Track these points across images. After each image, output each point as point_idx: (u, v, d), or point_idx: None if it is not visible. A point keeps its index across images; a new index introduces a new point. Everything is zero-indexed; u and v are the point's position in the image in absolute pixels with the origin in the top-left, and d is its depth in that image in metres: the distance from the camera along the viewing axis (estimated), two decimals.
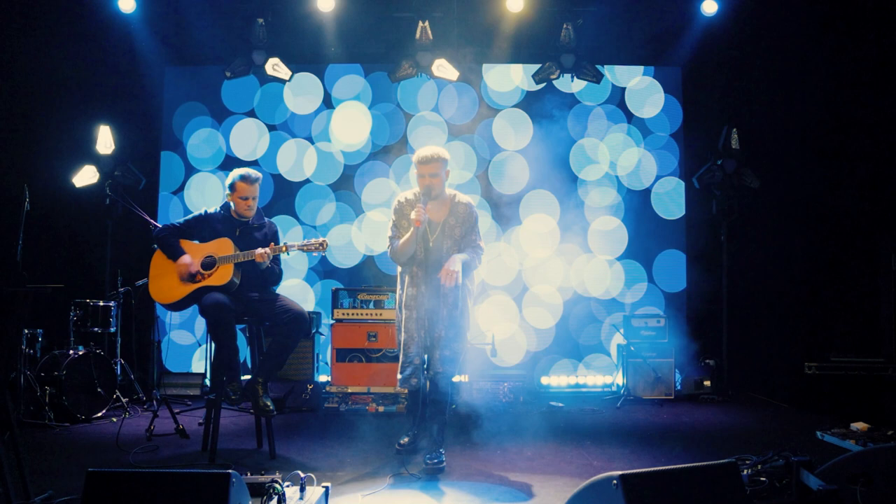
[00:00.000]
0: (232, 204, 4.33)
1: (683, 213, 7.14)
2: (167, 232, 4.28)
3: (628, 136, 7.16)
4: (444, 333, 3.99)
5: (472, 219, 4.14)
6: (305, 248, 4.17)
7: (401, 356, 4.12)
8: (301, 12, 6.56)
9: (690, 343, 6.70)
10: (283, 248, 4.15)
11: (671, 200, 7.18)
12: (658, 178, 7.16)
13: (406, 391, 5.59)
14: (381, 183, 7.07)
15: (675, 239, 7.16)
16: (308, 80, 7.09)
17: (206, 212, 4.38)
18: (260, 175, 4.35)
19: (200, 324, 6.74)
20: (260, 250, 4.10)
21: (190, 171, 7.11)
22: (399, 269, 4.25)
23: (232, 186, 4.29)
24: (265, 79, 6.80)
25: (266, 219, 4.49)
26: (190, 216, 4.40)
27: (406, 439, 4.29)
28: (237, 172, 4.30)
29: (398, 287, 4.25)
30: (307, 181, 7.11)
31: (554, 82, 6.90)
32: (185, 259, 4.19)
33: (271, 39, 6.49)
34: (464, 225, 4.11)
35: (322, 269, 7.08)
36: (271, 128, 7.13)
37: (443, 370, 3.99)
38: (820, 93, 6.40)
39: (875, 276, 6.27)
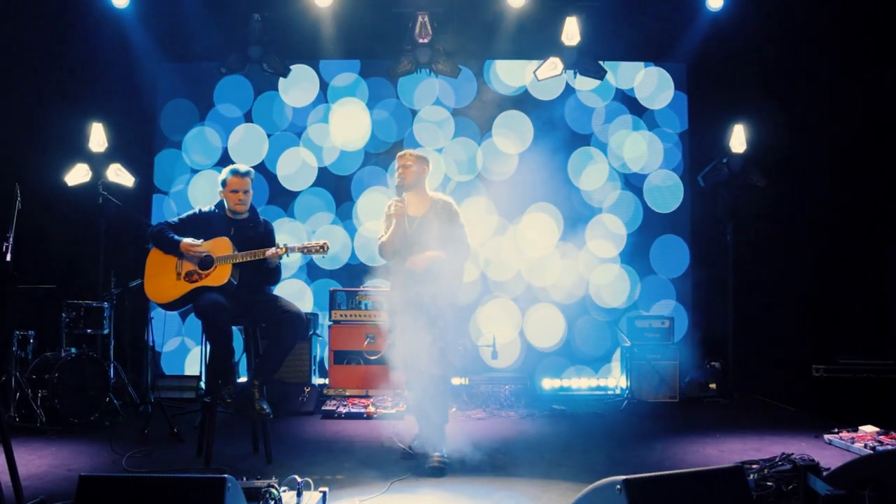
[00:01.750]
0: (225, 201, 4.34)
1: (685, 205, 7.14)
2: (161, 227, 4.27)
3: (632, 133, 7.15)
4: (426, 335, 4.02)
5: (451, 214, 4.23)
6: (306, 250, 4.17)
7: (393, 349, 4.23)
8: (297, 7, 6.55)
9: (695, 345, 6.69)
10: (284, 250, 4.14)
11: (673, 198, 7.17)
12: (662, 175, 7.15)
13: (406, 393, 5.61)
14: (379, 181, 7.06)
15: (679, 237, 7.15)
16: (305, 76, 7.09)
17: (200, 210, 4.38)
18: (251, 169, 4.36)
19: (196, 326, 6.74)
20: (272, 250, 4.11)
21: (184, 169, 7.10)
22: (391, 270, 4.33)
23: (223, 182, 4.31)
24: (261, 76, 6.80)
25: (261, 217, 4.49)
26: (184, 214, 4.41)
27: (414, 443, 4.30)
28: (229, 167, 4.34)
29: (392, 285, 4.34)
30: (304, 180, 7.10)
31: (556, 78, 6.89)
32: (189, 240, 4.18)
33: (267, 35, 6.48)
34: (441, 219, 4.18)
35: (319, 270, 7.07)
36: (267, 126, 7.12)
37: (431, 375, 4.02)
38: (829, 89, 6.40)
39: (884, 276, 6.27)
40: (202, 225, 4.30)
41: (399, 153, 4.32)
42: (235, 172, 4.30)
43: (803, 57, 6.45)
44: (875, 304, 6.29)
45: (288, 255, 4.17)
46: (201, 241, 4.21)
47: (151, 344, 6.11)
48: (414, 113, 7.12)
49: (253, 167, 6.89)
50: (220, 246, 4.20)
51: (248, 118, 7.14)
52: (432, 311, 4.05)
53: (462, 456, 4.33)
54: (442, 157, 7.00)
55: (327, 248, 4.17)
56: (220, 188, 4.33)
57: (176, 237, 4.20)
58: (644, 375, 6.33)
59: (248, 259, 4.15)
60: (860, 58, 6.30)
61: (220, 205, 4.39)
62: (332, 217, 7.09)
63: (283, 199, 7.08)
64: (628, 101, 7.18)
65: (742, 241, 6.70)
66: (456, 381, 6.02)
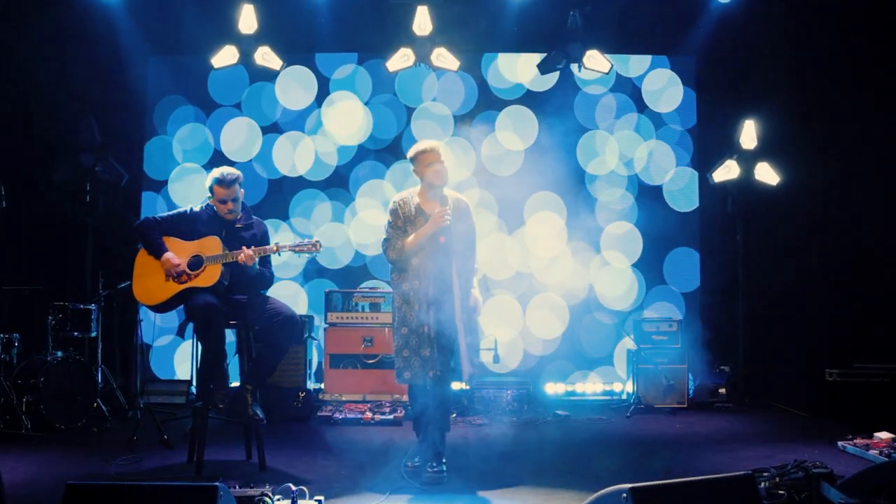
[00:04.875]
0: (214, 207, 4.32)
1: (697, 205, 7.15)
2: (148, 226, 4.26)
3: (639, 130, 7.16)
4: (450, 334, 3.99)
5: (469, 222, 4.12)
6: (297, 248, 4.16)
7: (403, 353, 4.04)
8: None
9: (704, 348, 6.68)
10: (275, 249, 4.13)
11: (684, 197, 7.18)
12: (671, 173, 7.16)
13: (407, 398, 5.60)
14: (377, 179, 7.07)
15: (687, 237, 7.15)
16: (300, 70, 7.08)
17: (191, 210, 4.36)
18: (238, 174, 4.27)
19: (187, 328, 6.74)
20: (245, 252, 4.06)
21: (175, 166, 7.10)
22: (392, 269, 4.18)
23: (210, 189, 4.26)
24: (255, 70, 6.80)
25: (254, 218, 4.47)
26: (174, 212, 4.39)
27: (416, 461, 4.16)
28: (214, 175, 4.25)
29: (394, 287, 4.16)
30: (299, 178, 7.10)
31: (560, 73, 6.89)
32: (169, 255, 4.18)
33: (261, 27, 6.47)
34: (463, 223, 4.07)
35: (315, 270, 7.07)
36: (261, 122, 7.12)
37: (451, 375, 4.00)
38: (843, 83, 6.39)
39: None
40: (192, 225, 4.28)
41: (430, 147, 4.05)
42: (220, 182, 4.20)
43: (816, 49, 6.43)
44: (891, 306, 6.28)
45: (280, 254, 4.17)
46: (186, 250, 4.20)
47: (141, 347, 6.12)
48: (413, 108, 7.12)
49: (245, 163, 6.92)
50: (210, 245, 4.19)
51: (240, 112, 7.13)
52: (446, 307, 3.98)
53: (463, 464, 4.34)
54: None
55: (320, 246, 4.16)
56: (209, 193, 4.30)
57: (162, 246, 4.19)
58: (651, 380, 6.32)
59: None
60: (875, 50, 6.28)
61: (210, 205, 4.37)
62: (328, 215, 7.09)
63: (277, 196, 7.08)
64: (635, 96, 7.17)
65: (753, 240, 6.70)
66: (456, 385, 6.01)
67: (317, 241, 4.17)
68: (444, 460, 4.03)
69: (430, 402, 4.06)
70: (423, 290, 4.00)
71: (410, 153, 4.12)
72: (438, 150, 4.05)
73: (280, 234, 6.86)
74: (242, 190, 4.32)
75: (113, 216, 6.09)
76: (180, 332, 6.84)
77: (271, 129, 7.13)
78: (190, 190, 7.00)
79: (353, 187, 7.09)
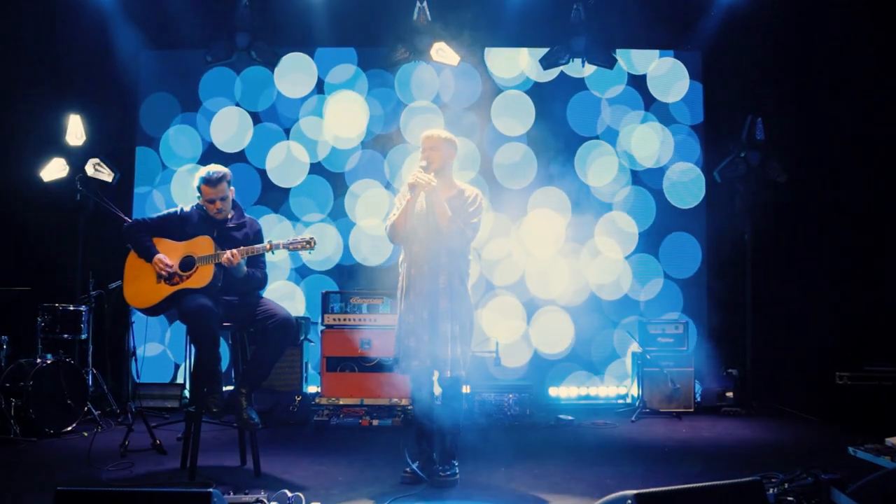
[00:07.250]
0: (204, 206, 4.32)
1: (703, 203, 7.15)
2: (137, 229, 4.26)
3: (643, 126, 7.16)
4: (448, 329, 3.99)
5: (473, 202, 4.10)
6: (292, 246, 4.16)
7: (398, 344, 4.10)
8: None
9: (711, 351, 6.68)
10: (268, 247, 4.13)
11: (689, 194, 7.17)
12: (676, 170, 7.16)
13: (405, 402, 5.61)
14: (375, 176, 7.07)
15: (693, 236, 7.15)
16: (296, 66, 7.08)
17: (181, 210, 4.36)
18: (225, 172, 4.26)
19: (179, 331, 6.73)
20: (227, 254, 4.04)
21: (168, 164, 7.10)
22: (401, 256, 4.24)
23: (198, 189, 4.26)
24: (250, 65, 6.80)
25: (247, 216, 4.46)
26: (163, 213, 4.39)
27: (415, 465, 4.12)
28: (200, 174, 4.25)
29: (400, 274, 4.22)
30: (295, 175, 7.10)
31: (563, 68, 6.90)
32: (159, 256, 4.17)
33: (256, 21, 6.47)
34: (463, 207, 4.07)
35: (311, 270, 7.07)
36: (256, 118, 7.12)
37: (453, 373, 4.00)
38: (854, 79, 6.38)
39: None
40: (182, 225, 4.27)
41: (425, 134, 4.14)
42: (207, 181, 4.20)
43: (826, 43, 6.43)
44: None
45: (273, 252, 4.16)
46: (177, 251, 4.19)
47: (132, 350, 6.11)
48: (411, 103, 7.12)
49: (240, 161, 6.92)
50: (202, 245, 4.18)
51: (234, 109, 7.13)
52: (447, 303, 4.00)
53: (462, 470, 4.33)
54: None
55: (314, 243, 4.15)
56: (197, 193, 4.29)
57: (152, 248, 4.19)
58: (657, 383, 6.32)
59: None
60: (885, 43, 6.28)
61: (200, 204, 4.37)
62: (325, 214, 7.09)
63: (272, 195, 7.08)
64: (640, 91, 7.17)
65: (761, 239, 6.69)
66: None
67: (311, 238, 4.16)
68: (455, 463, 4.06)
69: (431, 402, 4.07)
70: (421, 282, 4.04)
71: None
72: (428, 140, 4.10)
73: (277, 231, 6.87)
74: (232, 188, 4.31)
75: (104, 215, 6.08)
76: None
77: (266, 125, 7.12)
78: (183, 187, 6.99)
79: (350, 184, 7.09)
